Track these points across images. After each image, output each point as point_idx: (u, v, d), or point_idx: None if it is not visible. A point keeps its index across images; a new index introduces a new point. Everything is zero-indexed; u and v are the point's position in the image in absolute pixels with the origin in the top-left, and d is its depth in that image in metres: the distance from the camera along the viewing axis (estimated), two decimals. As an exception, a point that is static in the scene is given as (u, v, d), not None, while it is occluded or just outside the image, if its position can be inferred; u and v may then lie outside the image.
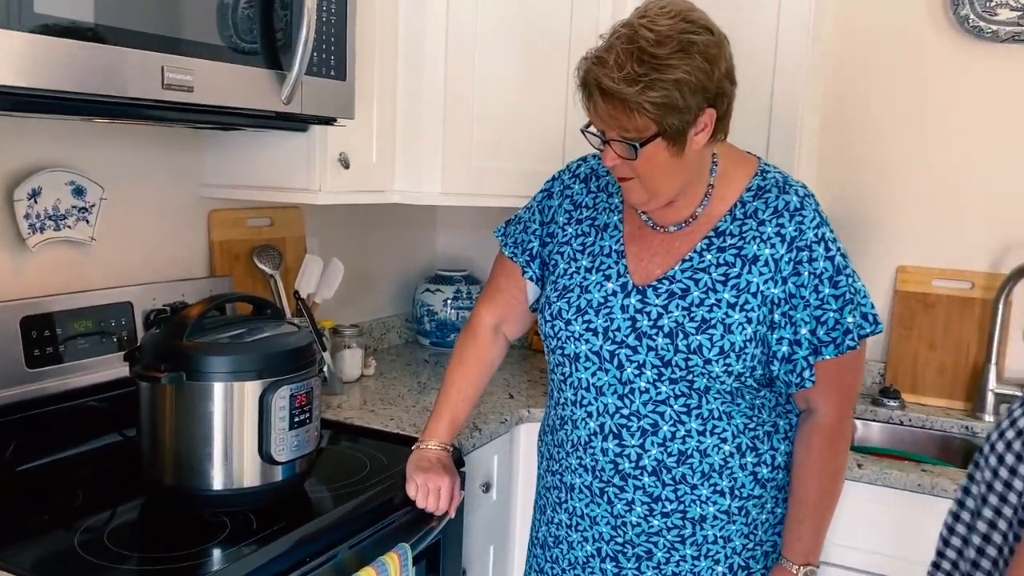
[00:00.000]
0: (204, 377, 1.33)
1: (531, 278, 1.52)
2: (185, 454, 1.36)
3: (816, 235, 1.28)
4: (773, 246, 1.29)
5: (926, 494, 1.69)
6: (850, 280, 1.29)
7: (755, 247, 1.29)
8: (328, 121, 1.69)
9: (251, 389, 1.35)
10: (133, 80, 1.27)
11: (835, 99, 2.31)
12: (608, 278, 1.38)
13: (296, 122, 1.65)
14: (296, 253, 2.16)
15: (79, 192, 1.66)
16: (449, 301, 2.51)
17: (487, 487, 1.85)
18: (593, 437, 1.38)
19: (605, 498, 1.39)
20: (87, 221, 1.68)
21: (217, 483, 1.36)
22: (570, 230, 1.46)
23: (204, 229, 1.96)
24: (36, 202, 1.58)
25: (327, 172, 1.79)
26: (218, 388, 1.34)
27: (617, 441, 1.36)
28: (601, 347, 1.36)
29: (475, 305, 1.64)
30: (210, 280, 1.90)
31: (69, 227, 1.65)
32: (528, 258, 1.51)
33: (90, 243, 1.69)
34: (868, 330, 1.30)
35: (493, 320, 1.60)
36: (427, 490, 1.50)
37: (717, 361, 1.28)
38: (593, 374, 1.37)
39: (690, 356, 1.29)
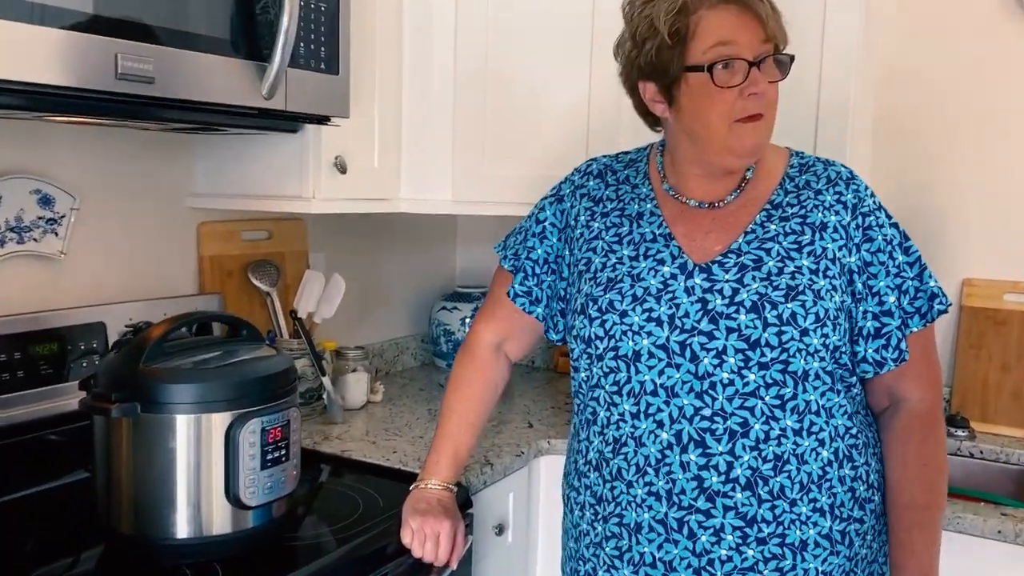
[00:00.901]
0: (162, 409, 1.16)
1: (523, 293, 1.36)
2: (144, 498, 1.18)
3: (875, 202, 1.23)
4: (837, 213, 1.21)
5: (1009, 543, 1.45)
6: (915, 248, 1.24)
7: (820, 214, 1.20)
8: (320, 120, 1.52)
9: (217, 422, 1.18)
10: (80, 68, 1.11)
11: (889, 95, 2.09)
12: (661, 262, 1.22)
13: (283, 121, 1.49)
14: (297, 269, 1.99)
15: (46, 201, 1.50)
16: (468, 320, 2.32)
17: (500, 529, 1.65)
18: (668, 451, 1.18)
19: (685, 531, 1.18)
20: (56, 234, 1.52)
21: (181, 531, 1.18)
22: (596, 224, 1.30)
23: (193, 243, 1.80)
24: (-5, 212, 1.43)
25: (321, 178, 1.61)
26: (180, 421, 1.16)
27: (700, 450, 1.16)
28: (668, 339, 1.18)
29: (472, 323, 1.46)
30: (197, 298, 1.73)
31: (35, 240, 1.49)
32: (527, 271, 1.35)
33: (60, 258, 1.53)
34: (946, 304, 1.23)
35: (494, 338, 1.42)
36: (424, 536, 1.31)
37: (815, 331, 1.15)
38: (661, 373, 1.18)
39: (783, 328, 1.14)
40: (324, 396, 1.85)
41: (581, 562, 1.31)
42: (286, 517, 1.29)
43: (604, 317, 1.22)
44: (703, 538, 1.18)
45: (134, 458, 1.18)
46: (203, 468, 1.18)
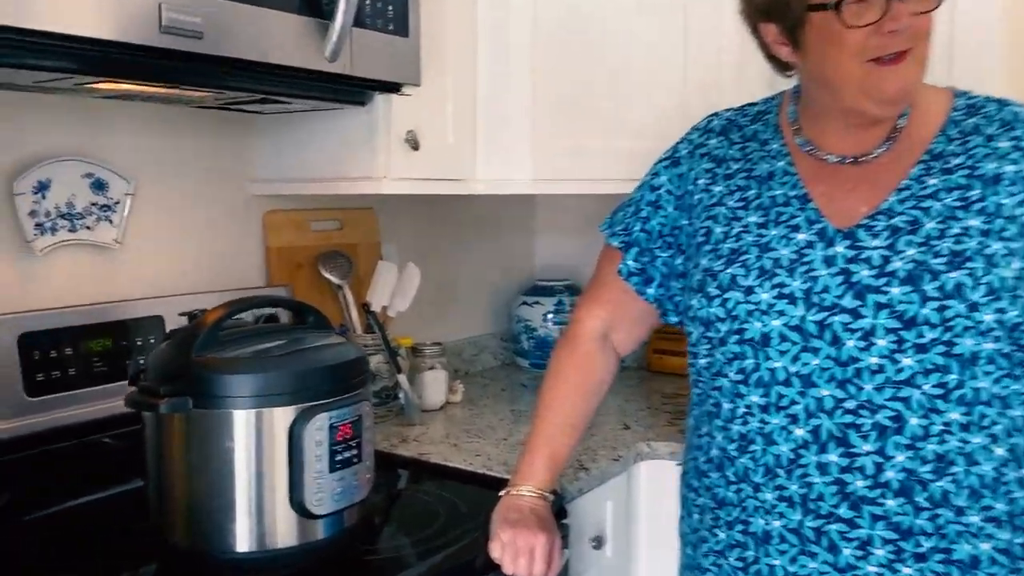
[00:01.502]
0: (217, 403, 1.02)
1: (636, 271, 1.18)
2: (199, 506, 1.04)
3: None
4: (1015, 162, 1.00)
5: None
6: None
7: (993, 164, 1.00)
8: (390, 88, 1.38)
9: (279, 418, 1.03)
10: (119, 19, 0.98)
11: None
12: (795, 229, 1.04)
13: (350, 88, 1.35)
14: (369, 261, 1.85)
15: (100, 186, 1.39)
16: (550, 316, 2.15)
17: (599, 542, 1.47)
18: (803, 451, 1.00)
19: (825, 542, 0.99)
20: (110, 221, 1.41)
21: (241, 543, 1.04)
22: (718, 188, 1.12)
23: (258, 233, 1.68)
24: (44, 197, 1.32)
25: (392, 156, 1.47)
26: (237, 417, 1.02)
27: (843, 450, 0.98)
28: (803, 318, 0.99)
29: (574, 310, 1.28)
30: (263, 291, 1.61)
31: (88, 228, 1.38)
32: (640, 246, 1.18)
33: (115, 247, 1.42)
34: None
35: (599, 326, 1.25)
36: (516, 550, 1.14)
37: (987, 305, 0.94)
38: (795, 359, 1.00)
39: (946, 303, 0.94)
40: (400, 395, 1.70)
41: (699, 573, 1.13)
42: (359, 527, 1.14)
43: (726, 295, 1.04)
44: (847, 551, 0.98)
45: (187, 460, 1.04)
46: (265, 471, 1.03)
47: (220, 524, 1.04)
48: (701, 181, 1.14)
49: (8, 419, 1.21)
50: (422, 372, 1.80)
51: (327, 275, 1.75)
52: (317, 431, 1.04)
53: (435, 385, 1.80)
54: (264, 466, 1.03)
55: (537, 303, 2.17)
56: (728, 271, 1.05)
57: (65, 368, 1.28)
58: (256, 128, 1.63)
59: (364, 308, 1.69)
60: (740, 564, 1.06)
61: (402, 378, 1.69)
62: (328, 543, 1.08)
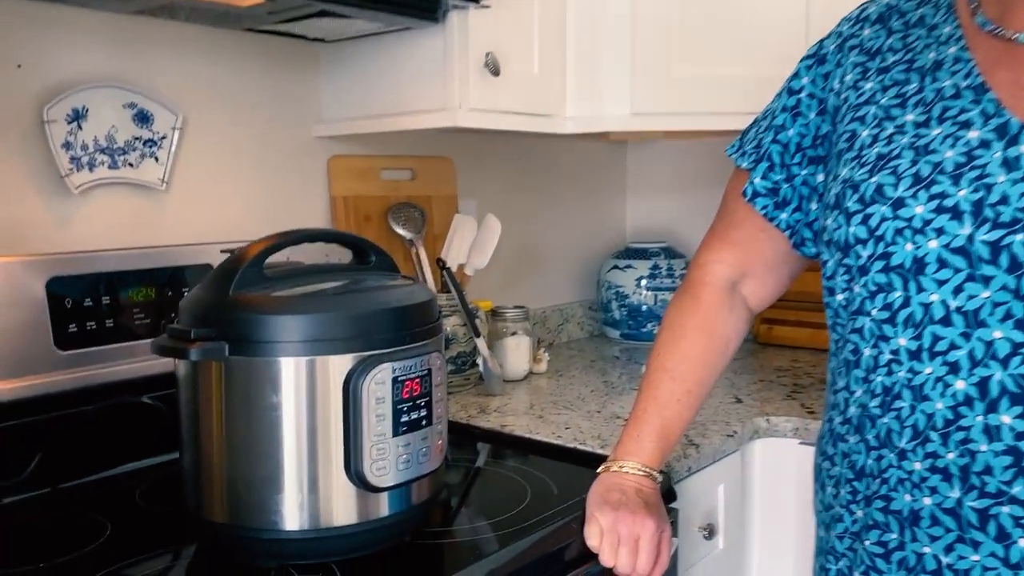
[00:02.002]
0: (258, 349, 0.84)
1: (765, 191, 0.96)
2: (240, 475, 0.87)
3: None
4: None
5: None
6: None
7: None
8: (466, -1, 1.19)
9: (334, 369, 0.85)
10: None
11: None
12: (966, 125, 0.80)
13: (420, -1, 1.16)
14: (445, 215, 1.67)
15: (143, 119, 1.24)
16: (644, 281, 1.93)
17: (710, 531, 1.25)
18: (964, 409, 0.77)
19: (992, 529, 0.77)
20: (155, 158, 1.26)
21: (290, 521, 0.86)
22: (869, 85, 0.89)
23: (323, 179, 1.51)
24: (81, 128, 1.17)
25: (469, 82, 1.28)
26: (284, 367, 0.84)
27: (1020, 409, 0.75)
28: (971, 237, 0.77)
29: (696, 253, 1.07)
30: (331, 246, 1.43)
31: (131, 165, 1.23)
32: (772, 161, 0.96)
33: (160, 188, 1.26)
34: None
35: (727, 272, 1.03)
36: (617, 538, 0.94)
37: None
38: (957, 290, 0.77)
39: None
40: (479, 363, 1.51)
41: (831, 558, 0.91)
42: (430, 505, 0.95)
43: (868, 210, 0.82)
44: (1022, 542, 0.75)
45: (225, 419, 0.87)
46: (317, 434, 0.85)
47: (264, 498, 0.86)
48: (849, 78, 0.91)
49: (36, 374, 1.06)
50: (503, 338, 1.61)
51: (398, 229, 1.57)
52: (378, 385, 0.85)
53: (517, 352, 1.60)
54: (316, 427, 0.85)
55: (630, 267, 1.95)
56: (873, 180, 0.82)
57: (101, 319, 1.13)
58: (319, 61, 1.46)
59: (439, 265, 1.51)
60: (880, 549, 0.84)
61: (480, 343, 1.50)
62: (392, 522, 0.90)
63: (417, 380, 0.88)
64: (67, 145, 1.15)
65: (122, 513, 1.02)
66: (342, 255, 1.10)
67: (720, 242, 1.03)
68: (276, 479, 0.86)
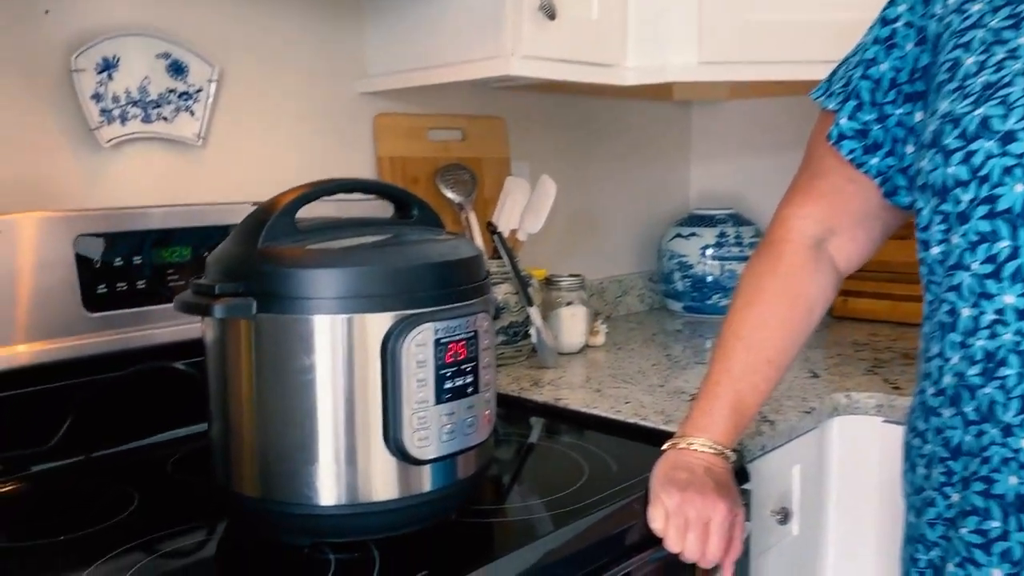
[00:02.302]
0: (288, 306, 0.76)
1: (852, 133, 0.85)
2: (271, 444, 0.79)
3: None
4: None
5: None
6: None
7: None
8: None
9: (371, 328, 0.77)
10: None
11: None
12: None
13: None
14: (496, 179, 1.58)
15: (177, 70, 1.17)
16: (709, 250, 1.82)
17: (784, 516, 1.15)
18: None
19: None
20: (191, 112, 1.19)
21: (325, 495, 0.79)
22: (976, 8, 0.77)
23: (368, 137, 1.43)
24: (111, 78, 1.11)
25: (523, 27, 1.19)
26: (317, 326, 0.76)
27: None
28: None
29: (778, 208, 0.96)
30: (373, 203, 1.35)
31: (165, 119, 1.16)
32: (861, 99, 0.85)
33: (196, 144, 1.20)
34: None
35: (812, 228, 0.93)
36: (685, 521, 0.85)
37: None
38: None
39: None
40: (532, 334, 1.43)
41: (922, 547, 0.81)
42: (477, 481, 0.87)
43: (971, 147, 0.71)
44: None
45: (256, 383, 0.79)
46: (356, 399, 0.77)
47: (297, 468, 0.78)
48: (953, 1, 0.79)
49: (63, 337, 1.00)
50: (557, 308, 1.51)
51: (447, 192, 1.48)
52: (419, 348, 0.76)
53: (573, 323, 1.51)
54: (353, 393, 0.77)
55: (694, 235, 1.84)
56: (978, 112, 0.71)
57: (132, 280, 1.06)
58: (363, 11, 1.38)
59: (489, 230, 1.42)
60: (978, 539, 0.73)
61: (534, 312, 1.41)
62: (436, 498, 0.81)
63: (462, 343, 0.80)
64: (97, 96, 1.09)
65: (152, 484, 0.96)
66: (383, 213, 1.02)
67: (803, 195, 0.93)
68: (310, 448, 0.78)
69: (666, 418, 1.13)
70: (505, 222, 1.46)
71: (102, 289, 1.04)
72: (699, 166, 2.10)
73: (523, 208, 1.46)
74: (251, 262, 0.78)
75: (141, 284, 1.07)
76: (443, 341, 0.78)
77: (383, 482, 0.79)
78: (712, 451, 0.90)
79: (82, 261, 1.02)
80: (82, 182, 1.10)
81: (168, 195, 1.18)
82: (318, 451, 0.78)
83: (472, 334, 0.80)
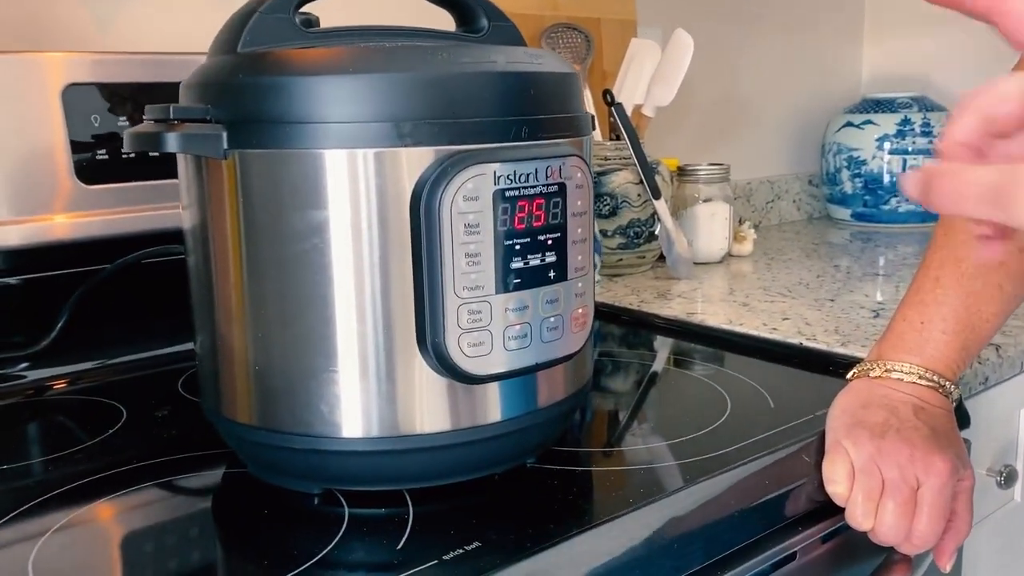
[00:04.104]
0: (283, 136, 0.50)
1: None
2: (261, 349, 0.54)
3: None
4: None
5: None
6: None
7: None
8: None
9: (405, 171, 0.50)
10: None
11: None
12: None
13: None
14: (617, 45, 1.28)
15: None
16: (889, 141, 1.46)
17: (1006, 477, 0.82)
18: None
19: None
20: (226, -59, 0.94)
21: (350, 426, 0.53)
22: None
23: (455, -10, 1.15)
24: None
25: None
26: (328, 162, 0.50)
27: None
28: None
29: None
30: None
31: (193, -51, 0.92)
32: None
33: (233, -18, 0.95)
34: None
35: None
36: (880, 483, 0.56)
37: None
38: None
39: None
40: (659, 235, 1.13)
41: None
42: (567, 412, 0.59)
43: None
44: None
45: (243, 253, 0.54)
46: (380, 283, 0.51)
47: (299, 385, 0.53)
48: None
49: (52, 213, 0.79)
50: (693, 206, 1.21)
51: (556, 60, 1.19)
52: (468, 202, 0.49)
53: (712, 225, 1.20)
54: (376, 274, 0.51)
55: (869, 123, 1.48)
56: None
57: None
58: None
59: (606, 100, 1.12)
60: None
61: (662, 207, 1.11)
62: (504, 434, 0.55)
63: (540, 200, 0.52)
64: (101, -87, 0.86)
65: (144, 405, 0.74)
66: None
67: None
68: (317, 352, 0.53)
69: (843, 338, 0.82)
70: (628, 95, 1.16)
71: (101, 155, 0.81)
72: (874, 41, 1.71)
73: (651, 74, 1.15)
74: (223, 73, 0.52)
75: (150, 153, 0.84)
76: (509, 195, 0.50)
77: (426, 408, 0.53)
78: (926, 383, 0.60)
79: (75, 119, 0.80)
80: (92, 28, 0.88)
81: (192, 43, 0.94)
82: (329, 357, 0.52)
83: (556, 187, 0.52)
